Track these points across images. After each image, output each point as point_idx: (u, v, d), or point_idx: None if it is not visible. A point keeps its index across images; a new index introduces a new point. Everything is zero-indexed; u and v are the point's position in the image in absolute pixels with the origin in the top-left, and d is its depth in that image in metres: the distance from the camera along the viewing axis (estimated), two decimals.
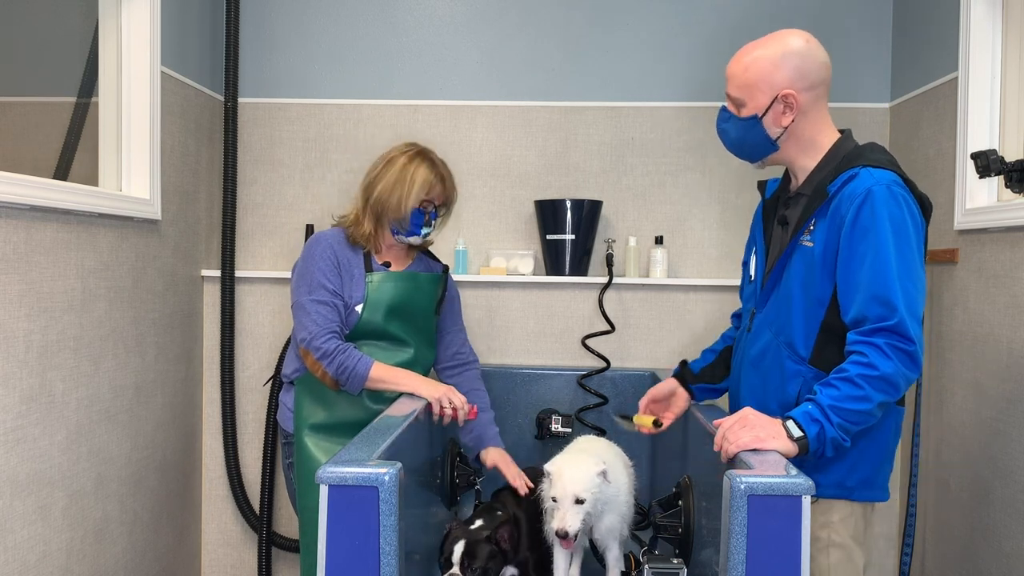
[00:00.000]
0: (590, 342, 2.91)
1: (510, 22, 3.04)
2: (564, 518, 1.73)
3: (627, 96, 3.03)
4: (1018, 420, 2.18)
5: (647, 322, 2.99)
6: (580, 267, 2.95)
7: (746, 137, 1.81)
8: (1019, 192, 2.08)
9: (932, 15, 2.68)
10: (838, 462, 1.70)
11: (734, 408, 1.90)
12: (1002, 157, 2.05)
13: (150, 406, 2.58)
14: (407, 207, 2.22)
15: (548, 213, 2.92)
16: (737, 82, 1.78)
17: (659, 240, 2.97)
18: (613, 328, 2.91)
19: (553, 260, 2.94)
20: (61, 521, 2.10)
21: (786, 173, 1.92)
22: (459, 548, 1.96)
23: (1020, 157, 2.16)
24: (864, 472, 1.73)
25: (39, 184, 1.98)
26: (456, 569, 1.94)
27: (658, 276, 2.94)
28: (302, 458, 2.22)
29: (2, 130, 2.86)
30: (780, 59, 1.74)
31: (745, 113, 1.78)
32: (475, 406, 2.17)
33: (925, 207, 1.73)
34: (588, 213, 2.90)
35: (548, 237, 2.93)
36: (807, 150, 1.80)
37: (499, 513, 2.13)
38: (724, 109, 1.84)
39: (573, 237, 2.89)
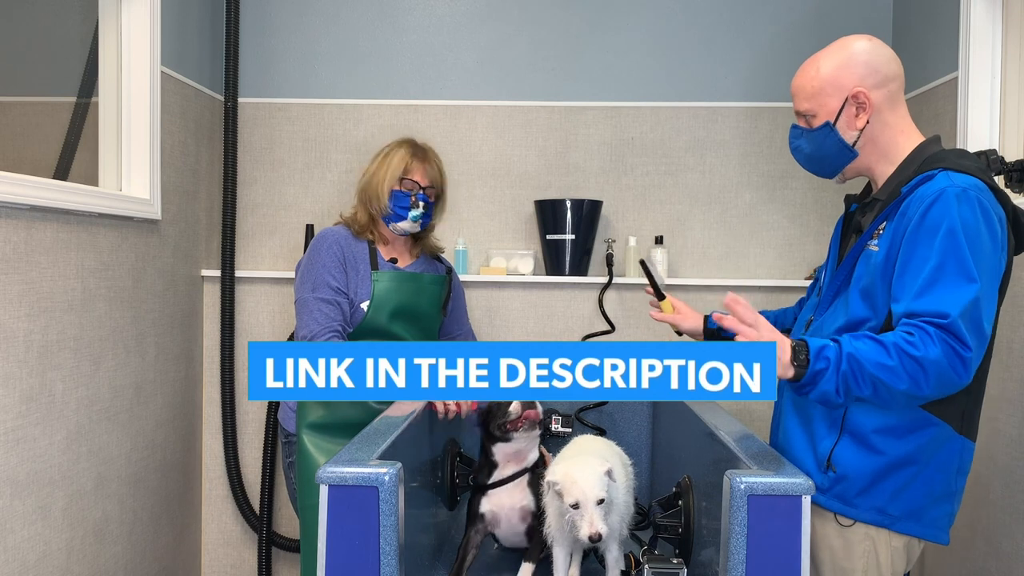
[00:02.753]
0: (590, 342, 2.90)
1: (510, 22, 3.04)
2: (593, 522, 1.70)
3: (627, 96, 3.03)
4: (1018, 420, 2.18)
5: (647, 322, 2.99)
6: (580, 267, 2.95)
7: (821, 148, 1.69)
8: (1019, 192, 2.08)
9: (932, 15, 2.68)
10: (881, 486, 1.60)
11: (775, 431, 1.83)
12: (1002, 157, 2.05)
13: (150, 406, 2.58)
14: (385, 188, 2.26)
15: (548, 213, 2.92)
16: (804, 94, 1.68)
17: (659, 240, 2.97)
18: (613, 328, 2.92)
19: (553, 260, 2.94)
20: (61, 521, 2.11)
21: (868, 185, 1.79)
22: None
23: (1020, 157, 2.16)
24: (911, 502, 1.59)
25: (39, 184, 1.98)
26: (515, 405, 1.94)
27: (658, 276, 2.94)
28: (302, 457, 2.22)
29: (2, 130, 2.86)
30: (846, 60, 1.65)
31: (817, 123, 1.68)
32: (476, 401, 2.16)
33: (1020, 226, 1.60)
34: (588, 213, 2.91)
35: (548, 237, 2.93)
36: (887, 154, 1.68)
37: None
38: (795, 127, 1.74)
39: (573, 237, 2.89)
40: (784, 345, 1.49)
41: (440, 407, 2.08)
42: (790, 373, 1.49)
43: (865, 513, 1.61)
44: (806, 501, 1.41)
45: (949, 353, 1.44)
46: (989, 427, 2.30)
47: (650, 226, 3.03)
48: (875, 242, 1.61)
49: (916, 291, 1.49)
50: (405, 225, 2.29)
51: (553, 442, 2.64)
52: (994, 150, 2.07)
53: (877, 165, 1.69)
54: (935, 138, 1.68)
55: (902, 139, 1.67)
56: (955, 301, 1.45)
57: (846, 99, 1.64)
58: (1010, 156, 2.31)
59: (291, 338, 2.87)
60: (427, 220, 2.33)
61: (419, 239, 2.42)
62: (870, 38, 1.68)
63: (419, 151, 2.33)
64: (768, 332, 1.52)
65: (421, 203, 2.28)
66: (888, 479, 1.60)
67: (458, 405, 2.08)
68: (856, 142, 1.67)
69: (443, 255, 2.51)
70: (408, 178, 2.28)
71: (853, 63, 1.64)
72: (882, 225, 1.61)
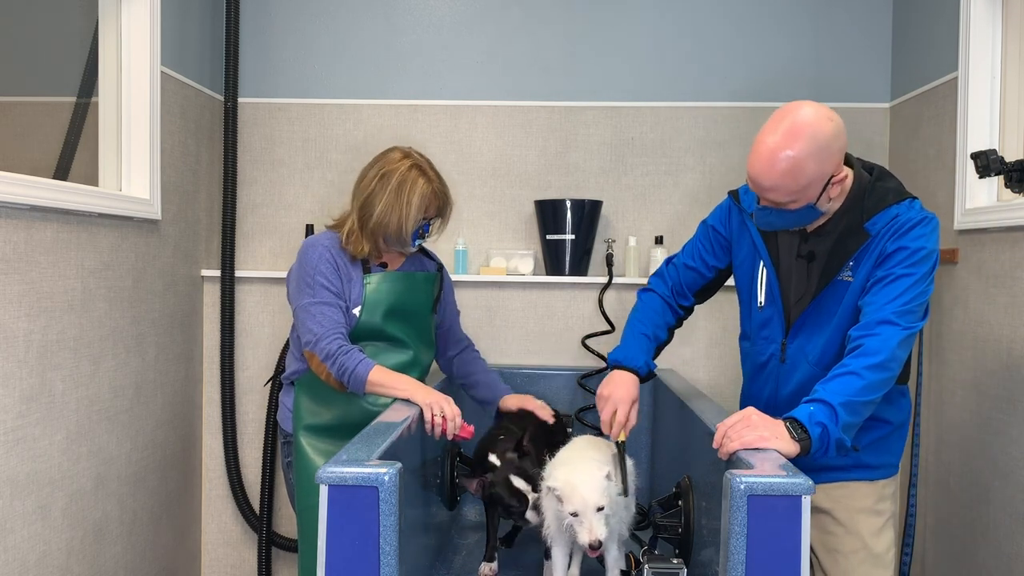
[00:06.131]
0: (590, 342, 2.91)
1: (510, 22, 3.04)
2: (593, 529, 1.70)
3: (627, 96, 3.03)
4: (1018, 420, 2.18)
5: None
6: (580, 267, 2.95)
7: (800, 219, 1.80)
8: (1019, 192, 2.08)
9: (932, 15, 2.68)
10: (893, 442, 1.91)
11: None
12: (1002, 157, 2.05)
13: (150, 406, 2.58)
14: (407, 230, 2.18)
15: (548, 213, 2.92)
16: (786, 190, 1.71)
17: (659, 240, 2.97)
18: (613, 328, 2.91)
19: (553, 260, 2.94)
20: (61, 521, 2.10)
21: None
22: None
23: (1020, 157, 2.16)
24: (901, 446, 1.94)
25: (39, 184, 1.98)
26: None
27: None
28: (299, 459, 2.21)
29: (2, 130, 2.87)
30: (823, 151, 1.69)
31: (796, 206, 1.75)
32: (472, 425, 2.10)
33: None
34: (588, 213, 2.90)
35: (548, 237, 2.93)
36: (838, 196, 1.82)
37: (503, 437, 2.18)
38: (764, 208, 1.79)
39: (573, 237, 2.89)
40: (781, 432, 1.61)
41: (428, 415, 2.01)
42: (797, 449, 1.59)
43: (884, 470, 1.91)
44: (806, 501, 1.41)
45: (898, 337, 1.67)
46: (990, 427, 2.30)
47: (650, 226, 3.03)
48: (848, 273, 1.80)
49: (887, 301, 1.71)
50: (409, 250, 2.28)
51: None
52: (994, 150, 2.07)
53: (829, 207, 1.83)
54: (856, 164, 1.83)
55: (845, 179, 1.80)
56: (910, 304, 1.70)
57: (827, 181, 1.73)
58: (1010, 156, 2.31)
59: (286, 345, 2.86)
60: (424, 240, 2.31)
61: None
62: (823, 110, 1.72)
63: (435, 187, 2.21)
64: (773, 427, 1.61)
65: (426, 231, 2.26)
66: (892, 438, 1.90)
67: (444, 421, 2.01)
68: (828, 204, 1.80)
69: (433, 251, 2.48)
70: (426, 217, 2.22)
71: (829, 151, 1.70)
72: (851, 262, 1.80)
